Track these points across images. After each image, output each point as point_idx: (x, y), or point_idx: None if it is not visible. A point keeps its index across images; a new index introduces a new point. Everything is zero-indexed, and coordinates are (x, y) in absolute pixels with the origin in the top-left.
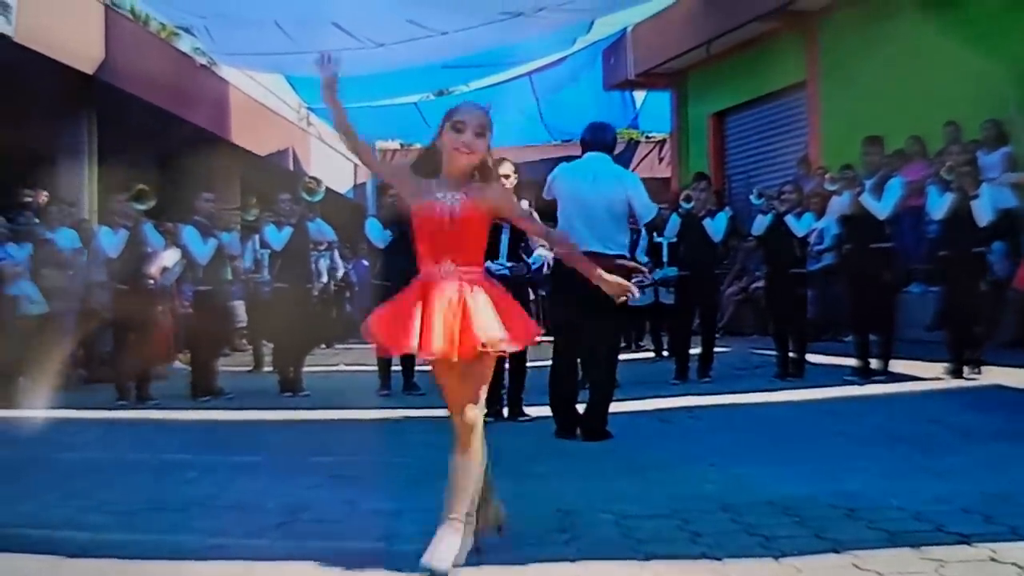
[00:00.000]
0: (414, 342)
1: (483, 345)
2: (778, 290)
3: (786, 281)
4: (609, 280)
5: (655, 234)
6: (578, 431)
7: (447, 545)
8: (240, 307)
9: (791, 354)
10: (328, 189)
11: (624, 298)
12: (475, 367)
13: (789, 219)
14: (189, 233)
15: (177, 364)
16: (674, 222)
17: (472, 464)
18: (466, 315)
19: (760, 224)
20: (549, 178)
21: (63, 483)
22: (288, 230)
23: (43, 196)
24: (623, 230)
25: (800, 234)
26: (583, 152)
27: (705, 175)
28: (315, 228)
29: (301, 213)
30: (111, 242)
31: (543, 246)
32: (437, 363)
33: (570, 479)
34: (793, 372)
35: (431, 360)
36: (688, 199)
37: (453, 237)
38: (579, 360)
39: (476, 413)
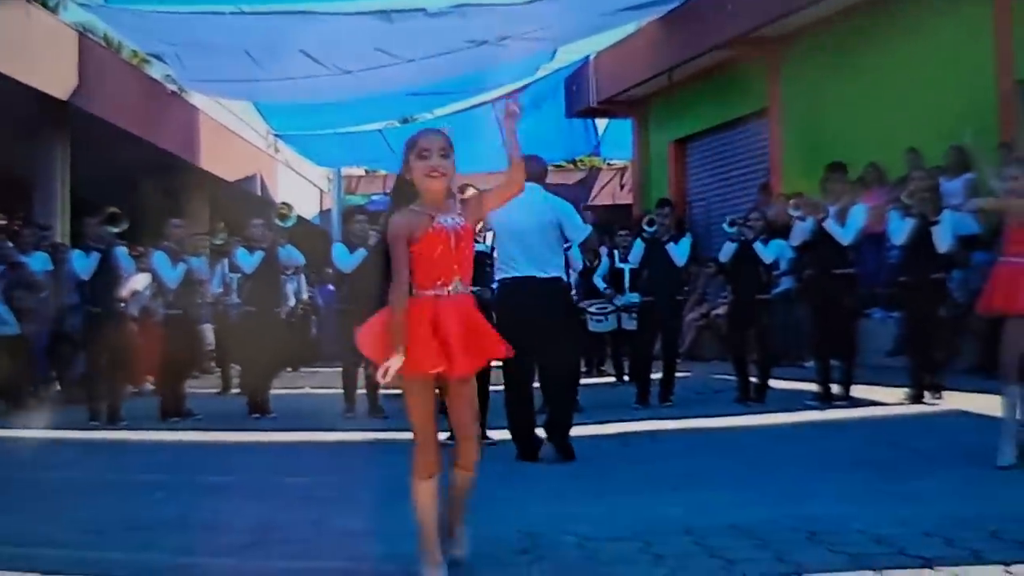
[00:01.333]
0: (439, 364)
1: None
2: (741, 316)
3: (750, 307)
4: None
5: (617, 260)
6: (540, 454)
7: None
8: (208, 330)
9: (753, 379)
10: None
11: None
12: (469, 382)
13: (757, 246)
14: (159, 258)
15: (148, 386)
16: (638, 247)
17: (474, 478)
18: (477, 331)
19: (727, 251)
20: None
21: (37, 502)
22: (259, 254)
23: (16, 220)
24: (557, 253)
25: (768, 261)
26: None
27: (668, 200)
28: (285, 253)
29: (273, 238)
30: (83, 265)
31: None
32: (430, 385)
33: (533, 502)
34: (754, 397)
35: (438, 383)
36: (651, 223)
37: (457, 258)
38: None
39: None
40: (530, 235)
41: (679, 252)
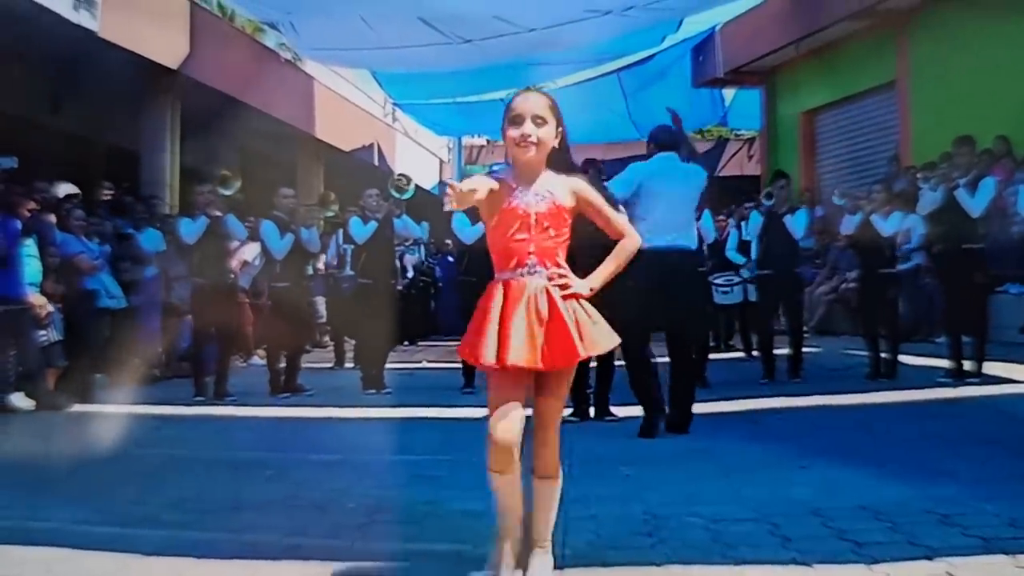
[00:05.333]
0: (491, 353)
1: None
2: (870, 290)
3: (877, 281)
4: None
5: (744, 232)
6: (662, 426)
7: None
8: (321, 303)
9: (883, 355)
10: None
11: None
12: (557, 380)
13: (875, 219)
14: (267, 228)
15: (256, 360)
16: (755, 220)
17: (558, 486)
18: (555, 320)
19: (849, 223)
20: (630, 179)
21: (140, 480)
22: (373, 224)
23: (120, 191)
24: (694, 222)
25: (887, 233)
26: (658, 151)
27: (784, 173)
28: (401, 224)
29: (388, 209)
30: (189, 230)
31: None
32: (512, 374)
33: (658, 481)
34: (885, 373)
35: (505, 371)
36: (769, 196)
37: (535, 238)
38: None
39: (557, 434)
40: (680, 204)
41: (796, 225)
